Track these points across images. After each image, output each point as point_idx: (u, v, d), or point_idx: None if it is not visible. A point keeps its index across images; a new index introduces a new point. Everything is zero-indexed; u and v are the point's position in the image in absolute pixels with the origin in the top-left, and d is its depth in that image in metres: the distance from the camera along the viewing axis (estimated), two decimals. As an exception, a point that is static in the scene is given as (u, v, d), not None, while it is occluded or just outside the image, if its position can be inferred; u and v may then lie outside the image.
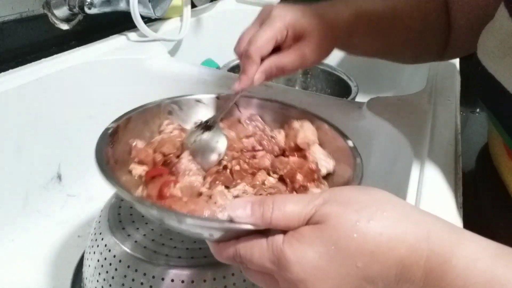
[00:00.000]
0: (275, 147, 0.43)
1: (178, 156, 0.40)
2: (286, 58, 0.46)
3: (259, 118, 0.47)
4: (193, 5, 0.92)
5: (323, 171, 0.41)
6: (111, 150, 0.38)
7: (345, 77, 0.89)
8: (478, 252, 0.25)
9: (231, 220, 0.29)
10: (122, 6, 0.67)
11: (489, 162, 0.50)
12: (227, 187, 0.38)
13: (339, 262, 0.25)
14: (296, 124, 0.45)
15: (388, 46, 0.55)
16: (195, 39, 0.91)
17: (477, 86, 0.45)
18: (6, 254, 0.54)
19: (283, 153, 0.44)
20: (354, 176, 0.37)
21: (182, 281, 0.38)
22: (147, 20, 0.74)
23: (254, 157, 0.41)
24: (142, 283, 0.38)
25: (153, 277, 0.38)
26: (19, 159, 0.55)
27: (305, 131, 0.44)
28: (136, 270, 0.39)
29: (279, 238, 0.27)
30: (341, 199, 0.27)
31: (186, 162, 0.39)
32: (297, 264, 0.26)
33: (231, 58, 0.92)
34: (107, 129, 0.39)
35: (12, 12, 0.57)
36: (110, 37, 0.72)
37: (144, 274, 0.38)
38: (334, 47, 0.50)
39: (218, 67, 0.91)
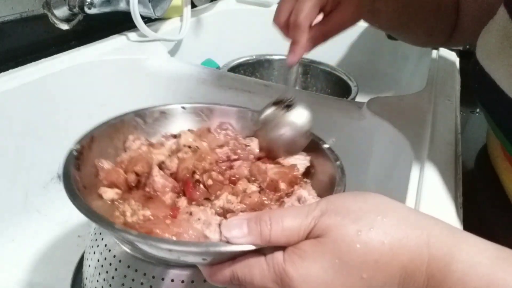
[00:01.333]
0: (250, 155, 0.42)
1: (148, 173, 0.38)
2: (329, 25, 0.47)
3: (229, 126, 0.45)
4: (193, 5, 0.92)
5: (301, 169, 0.41)
6: (79, 174, 0.36)
7: (345, 77, 0.89)
8: (477, 256, 0.24)
9: (227, 241, 0.27)
10: (122, 6, 0.67)
11: (488, 162, 0.51)
12: (207, 199, 0.37)
13: (344, 275, 0.25)
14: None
15: (407, 17, 0.57)
16: (195, 39, 0.92)
17: (475, 86, 0.45)
18: (6, 254, 0.54)
19: (258, 159, 0.43)
20: (337, 179, 0.37)
21: (182, 281, 0.38)
22: (147, 20, 0.74)
23: (231, 167, 0.40)
24: (142, 283, 0.38)
25: (153, 277, 0.38)
26: (19, 159, 0.55)
27: None
28: (136, 270, 0.38)
29: (279, 255, 0.26)
30: (339, 208, 0.26)
31: (160, 179, 0.37)
32: (302, 282, 0.25)
33: (231, 58, 0.92)
34: (71, 151, 0.37)
35: (12, 12, 0.57)
36: (110, 37, 0.72)
37: (144, 274, 0.38)
38: (365, 9, 0.50)
39: (218, 67, 0.91)
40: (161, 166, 0.40)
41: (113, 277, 0.39)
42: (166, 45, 0.78)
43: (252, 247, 0.27)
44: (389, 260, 0.25)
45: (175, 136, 0.44)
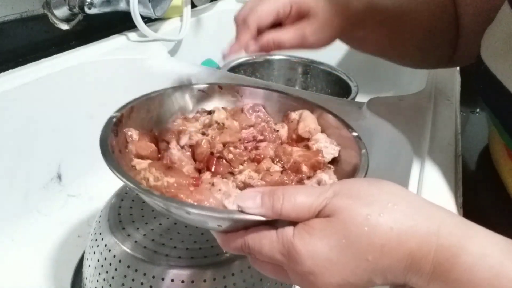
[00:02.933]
0: (277, 140, 0.43)
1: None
2: (285, 34, 0.44)
3: (262, 109, 0.46)
4: (193, 5, 0.92)
5: (328, 158, 0.41)
6: (116, 139, 0.37)
7: (345, 77, 0.89)
8: (487, 247, 0.25)
9: (240, 211, 0.28)
10: (122, 6, 0.67)
11: (490, 162, 0.50)
12: (231, 173, 0.38)
13: (349, 256, 0.25)
14: (294, 115, 0.45)
15: (395, 44, 0.54)
16: (195, 39, 0.91)
17: (479, 85, 0.44)
18: (6, 254, 0.54)
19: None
20: (361, 166, 0.37)
21: (182, 281, 0.38)
22: (147, 20, 0.74)
23: (256, 147, 0.41)
24: (142, 283, 0.38)
25: (153, 277, 0.38)
26: (19, 159, 0.55)
27: (305, 121, 0.43)
28: (136, 270, 0.39)
29: (289, 230, 0.27)
30: (352, 192, 0.27)
31: (177, 152, 0.38)
32: (308, 257, 0.26)
33: (231, 58, 0.92)
34: (111, 117, 0.39)
35: (12, 12, 0.57)
36: (110, 37, 0.72)
37: (144, 274, 0.38)
38: (336, 36, 0.48)
39: (218, 67, 0.91)
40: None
41: (113, 277, 0.39)
42: (166, 45, 0.78)
43: (263, 218, 0.28)
44: (396, 245, 0.25)
45: (209, 113, 0.45)
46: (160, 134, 0.42)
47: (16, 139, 0.55)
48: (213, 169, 0.38)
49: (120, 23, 0.74)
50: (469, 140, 0.57)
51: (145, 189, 0.31)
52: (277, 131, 0.44)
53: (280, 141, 0.43)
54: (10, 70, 0.56)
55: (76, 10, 0.63)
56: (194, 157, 0.39)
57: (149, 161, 0.38)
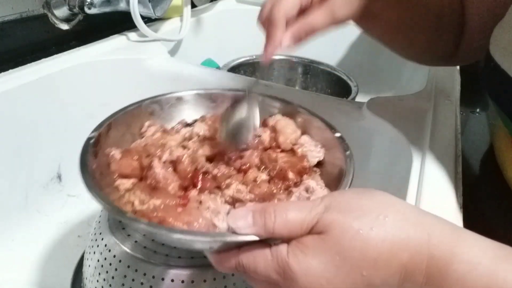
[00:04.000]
0: (260, 146, 0.43)
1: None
2: (315, 18, 0.42)
3: None
4: (193, 5, 0.92)
5: (314, 161, 0.41)
6: (96, 161, 0.36)
7: (345, 77, 0.89)
8: (478, 256, 0.25)
9: (232, 232, 0.28)
10: (122, 6, 0.67)
11: (492, 162, 0.50)
12: (218, 188, 0.37)
13: (344, 272, 0.25)
14: (271, 121, 0.44)
15: (404, 28, 0.53)
16: (195, 39, 0.92)
17: (487, 82, 0.44)
18: (6, 253, 0.54)
19: (267, 149, 0.43)
20: (347, 169, 0.37)
21: (182, 281, 0.38)
22: (147, 20, 0.74)
23: (240, 157, 0.41)
24: (142, 283, 0.38)
25: (153, 277, 0.38)
26: (19, 159, 0.55)
27: (284, 133, 0.43)
28: (136, 270, 0.38)
29: (283, 248, 0.27)
30: (342, 205, 0.27)
31: (161, 171, 0.37)
32: (303, 275, 0.26)
33: (231, 58, 0.92)
34: (88, 139, 0.38)
35: (12, 12, 0.57)
36: (110, 37, 0.72)
37: (144, 274, 0.38)
38: (361, 6, 0.46)
39: (218, 67, 0.91)
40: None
41: (113, 277, 0.39)
42: (166, 45, 0.78)
43: (256, 238, 0.28)
44: (389, 258, 0.25)
45: (190, 125, 0.45)
46: (142, 150, 0.40)
47: (16, 139, 0.55)
48: (199, 186, 0.37)
49: (120, 23, 0.74)
50: (469, 140, 0.57)
51: (131, 218, 0.30)
52: (259, 136, 0.43)
53: (263, 147, 0.43)
54: (10, 70, 0.56)
55: (76, 10, 0.63)
56: (176, 173, 0.38)
57: (133, 179, 0.38)
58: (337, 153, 0.39)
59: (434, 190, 0.41)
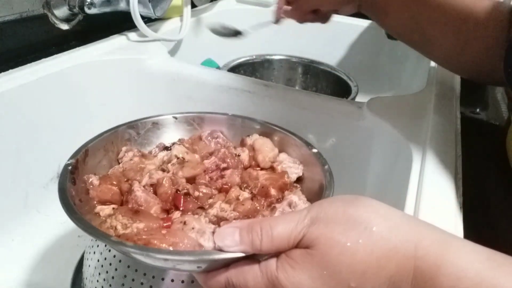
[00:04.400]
0: (240, 165, 0.43)
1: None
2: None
3: (221, 134, 0.47)
4: (193, 5, 0.92)
5: (293, 178, 0.42)
6: (74, 188, 0.37)
7: (345, 77, 0.89)
8: (464, 269, 0.24)
9: (220, 250, 0.28)
10: (122, 6, 0.67)
11: (495, 162, 0.50)
12: (201, 208, 0.38)
13: (332, 285, 0.26)
14: (249, 140, 0.46)
15: (420, 24, 0.51)
16: (195, 39, 0.92)
17: (508, 70, 0.43)
18: (6, 253, 0.54)
19: (247, 168, 0.44)
20: (326, 183, 0.37)
21: (182, 281, 0.38)
22: (147, 20, 0.74)
23: (222, 176, 0.41)
24: (142, 283, 0.38)
25: (153, 277, 0.38)
26: (19, 159, 0.55)
27: (262, 152, 0.44)
28: (136, 270, 0.39)
29: (272, 263, 0.27)
30: (328, 218, 0.27)
31: (142, 194, 0.37)
32: None
33: (231, 58, 0.92)
34: (66, 165, 0.38)
35: (12, 12, 0.57)
36: (110, 37, 0.72)
37: (144, 274, 0.38)
38: None
39: (218, 67, 0.91)
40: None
41: (113, 277, 0.39)
42: (166, 45, 0.78)
43: (243, 255, 0.28)
44: (376, 271, 0.25)
45: (167, 148, 0.45)
46: (121, 175, 0.41)
47: (16, 139, 0.55)
48: (181, 207, 0.37)
49: (120, 23, 0.74)
50: (469, 140, 0.57)
51: (116, 241, 0.30)
52: (239, 155, 0.44)
53: (243, 166, 0.44)
54: (10, 70, 0.56)
55: (76, 10, 0.63)
56: (157, 196, 0.39)
57: (113, 206, 0.38)
58: (315, 169, 0.40)
59: (434, 190, 0.41)
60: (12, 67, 0.57)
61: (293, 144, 0.44)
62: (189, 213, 0.37)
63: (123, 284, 0.39)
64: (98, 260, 0.41)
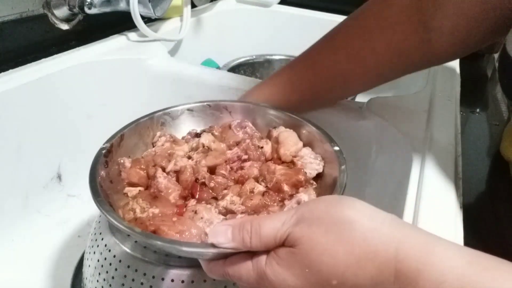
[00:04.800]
0: (262, 157, 0.44)
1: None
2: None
3: (250, 124, 0.47)
4: (193, 5, 0.92)
5: (313, 173, 0.42)
6: (106, 170, 0.39)
7: (345, 77, 0.88)
8: (445, 274, 0.24)
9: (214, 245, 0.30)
10: (122, 6, 0.67)
11: (495, 162, 0.50)
12: (215, 198, 0.39)
13: (314, 282, 0.27)
14: (274, 132, 0.46)
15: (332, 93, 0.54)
16: (195, 39, 0.92)
17: (505, 80, 0.43)
18: (6, 254, 0.54)
19: (269, 160, 0.45)
20: (338, 184, 0.38)
21: (182, 281, 0.38)
22: (147, 20, 0.74)
23: (242, 167, 0.42)
24: (142, 283, 0.38)
25: (153, 277, 0.38)
26: (19, 159, 0.55)
27: (285, 145, 0.44)
28: (136, 270, 0.39)
29: (262, 259, 0.29)
30: (313, 218, 0.28)
31: (163, 180, 0.39)
32: (278, 284, 0.28)
33: (231, 58, 0.92)
34: (101, 149, 0.40)
35: (12, 12, 0.57)
36: (110, 37, 0.72)
37: (144, 274, 0.38)
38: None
39: (218, 67, 0.91)
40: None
41: (113, 277, 0.39)
42: (166, 45, 0.78)
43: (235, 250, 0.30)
44: (356, 271, 0.26)
45: (198, 135, 0.46)
46: (150, 160, 0.42)
47: (16, 139, 0.55)
48: (197, 196, 0.39)
49: (120, 23, 0.74)
50: (469, 140, 0.57)
51: (127, 226, 0.32)
52: (261, 147, 0.44)
53: (264, 158, 0.44)
54: (10, 70, 0.56)
55: (76, 10, 0.63)
56: (179, 182, 0.40)
57: (140, 188, 0.40)
58: (334, 167, 0.40)
59: (434, 190, 0.41)
60: (12, 67, 0.57)
61: (318, 139, 0.44)
62: (203, 202, 0.38)
63: (123, 284, 0.39)
64: (98, 260, 0.41)
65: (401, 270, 0.25)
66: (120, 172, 0.41)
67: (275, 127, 0.47)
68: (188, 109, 0.48)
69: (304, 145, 0.45)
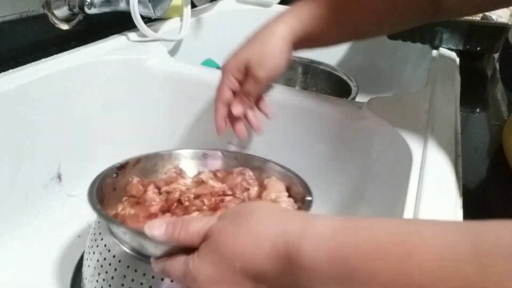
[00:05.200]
0: (246, 198, 0.48)
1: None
2: (246, 88, 0.53)
3: (250, 172, 0.52)
4: (193, 5, 0.92)
5: None
6: (113, 179, 0.47)
7: (345, 77, 0.88)
8: (321, 231, 0.28)
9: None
10: (122, 6, 0.67)
11: (496, 162, 0.50)
12: (185, 215, 0.45)
13: (222, 268, 0.30)
14: (266, 181, 0.51)
15: (353, 29, 0.56)
16: (195, 39, 0.92)
17: (505, 68, 0.44)
18: (6, 254, 0.54)
19: None
20: None
21: (182, 281, 0.38)
22: (147, 20, 0.74)
23: (222, 200, 0.47)
24: (141, 283, 0.38)
25: (153, 277, 0.38)
26: (19, 159, 0.55)
27: (269, 189, 0.48)
28: (135, 270, 0.39)
29: (190, 256, 0.32)
30: (228, 213, 0.33)
31: (151, 194, 0.47)
32: (197, 275, 0.31)
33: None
34: (117, 163, 0.48)
35: (12, 12, 0.57)
36: (110, 37, 0.72)
37: (144, 274, 0.38)
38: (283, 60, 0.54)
39: (218, 67, 0.91)
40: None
41: (112, 277, 0.39)
42: (166, 45, 0.78)
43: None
44: (253, 250, 0.29)
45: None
46: (154, 181, 0.50)
47: (16, 139, 0.55)
48: (171, 211, 0.45)
49: (120, 23, 0.74)
50: (469, 140, 0.57)
51: (97, 209, 0.40)
52: (248, 189, 0.49)
53: (249, 199, 0.48)
54: (10, 70, 0.56)
55: (76, 10, 0.63)
56: (166, 200, 0.47)
57: (134, 199, 0.47)
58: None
59: (434, 190, 0.41)
60: (12, 67, 0.57)
61: (296, 190, 0.48)
62: (174, 216, 0.44)
63: (122, 284, 0.39)
64: (98, 260, 0.41)
65: (289, 241, 0.28)
66: (126, 185, 0.48)
67: (268, 177, 0.51)
68: (204, 154, 0.54)
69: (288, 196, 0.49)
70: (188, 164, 0.54)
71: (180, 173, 0.52)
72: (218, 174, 0.52)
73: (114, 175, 0.47)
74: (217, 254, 0.30)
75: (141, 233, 0.35)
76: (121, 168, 0.48)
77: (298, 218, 0.30)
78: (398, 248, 0.24)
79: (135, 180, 0.49)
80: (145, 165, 0.51)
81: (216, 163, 0.54)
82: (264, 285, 0.29)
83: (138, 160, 0.50)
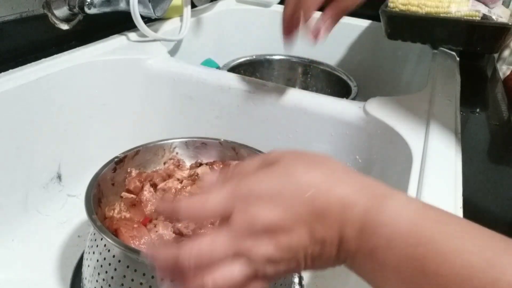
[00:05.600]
0: None
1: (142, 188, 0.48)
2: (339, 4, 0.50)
3: None
4: (193, 5, 0.92)
5: None
6: (112, 175, 0.48)
7: (345, 77, 0.89)
8: (404, 206, 0.26)
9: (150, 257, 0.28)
10: (122, 6, 0.67)
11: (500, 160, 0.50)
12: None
13: (290, 189, 0.27)
14: None
15: None
16: (195, 39, 0.92)
17: None
18: (6, 253, 0.54)
19: None
20: None
21: (182, 281, 0.38)
22: (147, 20, 0.74)
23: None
24: (141, 283, 0.38)
25: (152, 277, 0.38)
26: (19, 159, 0.55)
27: None
28: (135, 270, 0.39)
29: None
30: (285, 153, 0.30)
31: (147, 194, 0.47)
32: (254, 186, 0.27)
33: (231, 58, 0.92)
34: (114, 157, 0.48)
35: (12, 12, 0.57)
36: (110, 37, 0.72)
37: (144, 274, 0.38)
38: None
39: (218, 67, 0.91)
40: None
41: (112, 277, 0.39)
42: (166, 45, 0.78)
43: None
44: (330, 186, 0.27)
45: (201, 165, 0.53)
46: (151, 175, 0.50)
47: (16, 139, 0.55)
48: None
49: (120, 23, 0.74)
50: (469, 140, 0.57)
51: (93, 219, 0.40)
52: None
53: None
54: (10, 70, 0.56)
55: (76, 10, 0.63)
56: (162, 199, 0.47)
57: (132, 195, 0.48)
58: None
59: (434, 190, 0.41)
60: (12, 67, 0.57)
61: None
62: (168, 219, 0.44)
63: (122, 284, 0.39)
64: (98, 260, 0.41)
65: (369, 198, 0.27)
66: (125, 178, 0.48)
67: None
68: (202, 143, 0.54)
69: None
70: (187, 153, 0.54)
71: (178, 165, 0.53)
72: (215, 167, 0.52)
73: (113, 170, 0.48)
74: (288, 177, 0.27)
75: (133, 251, 0.36)
76: (120, 162, 0.49)
77: (375, 182, 0.29)
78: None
79: (134, 173, 0.49)
80: (143, 155, 0.51)
81: (214, 152, 0.54)
82: (322, 228, 0.26)
83: (136, 152, 0.51)
